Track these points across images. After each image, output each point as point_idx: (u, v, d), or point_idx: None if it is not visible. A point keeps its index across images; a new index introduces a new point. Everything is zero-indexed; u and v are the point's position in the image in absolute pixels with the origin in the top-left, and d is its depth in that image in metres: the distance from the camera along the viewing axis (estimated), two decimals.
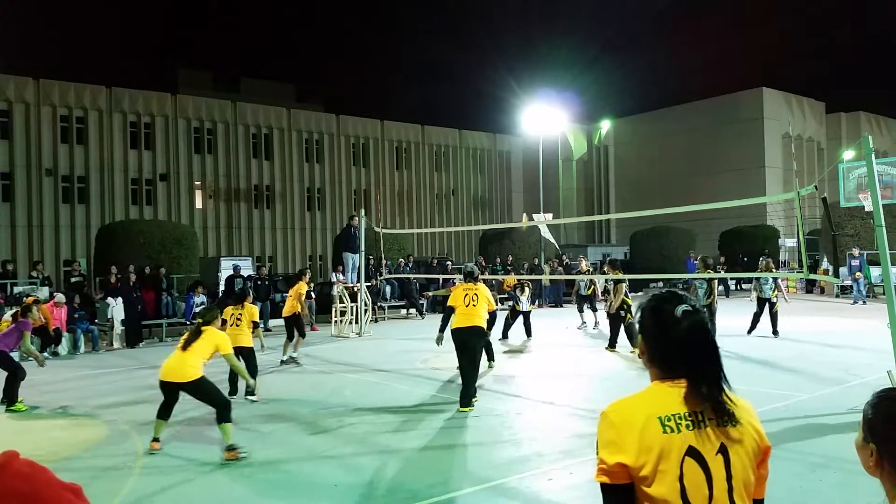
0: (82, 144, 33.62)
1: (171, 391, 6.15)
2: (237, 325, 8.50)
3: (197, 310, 16.35)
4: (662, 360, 1.67)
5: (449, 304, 7.93)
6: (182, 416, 7.71)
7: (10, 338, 8.64)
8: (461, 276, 8.45)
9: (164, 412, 6.25)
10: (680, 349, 1.63)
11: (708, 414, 1.58)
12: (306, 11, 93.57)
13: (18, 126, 31.88)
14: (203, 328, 6.24)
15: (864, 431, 1.49)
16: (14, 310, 13.71)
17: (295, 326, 11.45)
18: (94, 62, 68.53)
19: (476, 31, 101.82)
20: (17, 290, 15.92)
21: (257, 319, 8.83)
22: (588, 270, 16.97)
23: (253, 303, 9.40)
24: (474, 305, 7.66)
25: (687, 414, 1.57)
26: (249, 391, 8.21)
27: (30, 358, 8.91)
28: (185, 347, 6.11)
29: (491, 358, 10.51)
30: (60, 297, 13.73)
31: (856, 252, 20.73)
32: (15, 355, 8.90)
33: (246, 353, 8.26)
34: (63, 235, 32.74)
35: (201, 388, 6.03)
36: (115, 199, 34.07)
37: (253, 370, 8.25)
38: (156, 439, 6.20)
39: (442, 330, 7.90)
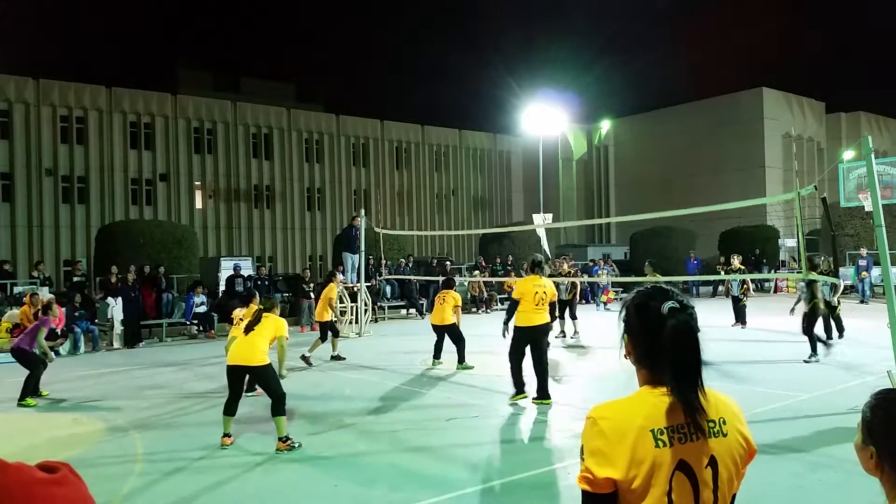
0: (82, 144, 33.60)
1: (238, 376, 6.36)
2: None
3: (197, 310, 16.41)
4: (649, 362, 1.59)
5: (514, 296, 7.90)
6: (179, 415, 7.72)
7: (30, 336, 8.90)
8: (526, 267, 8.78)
9: (232, 407, 6.31)
10: (664, 350, 1.53)
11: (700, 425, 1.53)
12: (307, 11, 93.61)
13: (18, 126, 31.86)
14: (264, 315, 6.52)
15: (863, 433, 1.48)
16: (13, 309, 13.83)
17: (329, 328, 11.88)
18: (94, 62, 68.60)
19: (476, 31, 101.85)
20: (17, 290, 15.92)
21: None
22: (570, 272, 15.60)
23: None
24: (543, 304, 7.70)
25: (679, 426, 1.51)
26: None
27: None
28: (247, 331, 6.36)
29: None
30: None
31: (864, 252, 21.12)
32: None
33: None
34: (63, 235, 32.72)
35: (265, 375, 6.28)
36: (115, 199, 34.05)
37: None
38: (226, 434, 6.28)
39: (506, 322, 8.03)
